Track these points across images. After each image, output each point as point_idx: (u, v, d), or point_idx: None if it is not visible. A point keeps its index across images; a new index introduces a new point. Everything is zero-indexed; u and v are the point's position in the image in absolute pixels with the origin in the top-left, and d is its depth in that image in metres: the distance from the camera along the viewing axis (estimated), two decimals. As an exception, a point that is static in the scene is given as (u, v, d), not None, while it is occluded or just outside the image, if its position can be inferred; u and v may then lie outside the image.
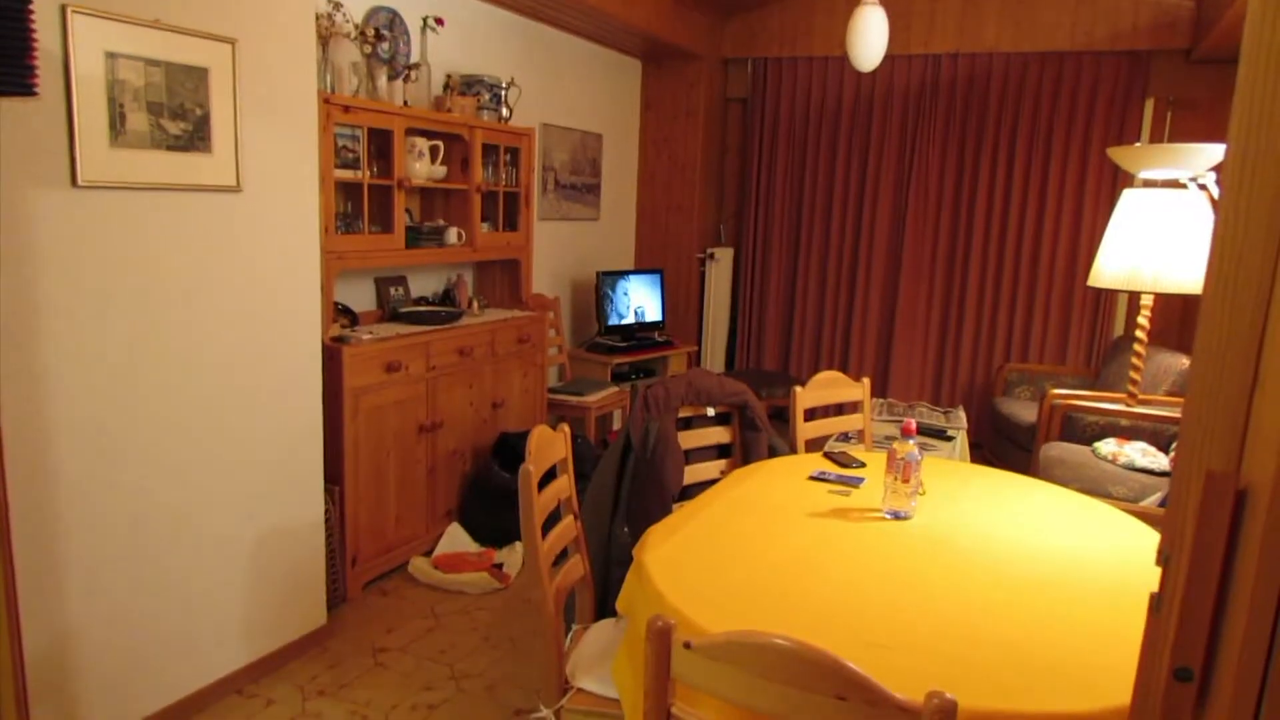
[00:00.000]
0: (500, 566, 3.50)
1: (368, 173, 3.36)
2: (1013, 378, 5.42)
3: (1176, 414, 4.19)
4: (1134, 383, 4.34)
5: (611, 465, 2.45)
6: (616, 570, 2.41)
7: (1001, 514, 2.17)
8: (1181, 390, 4.53)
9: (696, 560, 1.80)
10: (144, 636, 2.37)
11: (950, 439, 4.04)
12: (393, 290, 3.87)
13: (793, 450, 2.80)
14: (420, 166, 3.64)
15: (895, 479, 2.11)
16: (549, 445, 1.98)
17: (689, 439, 2.63)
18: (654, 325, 5.61)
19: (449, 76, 4.02)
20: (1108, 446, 4.07)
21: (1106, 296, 5.32)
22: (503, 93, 4.17)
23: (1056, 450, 4.16)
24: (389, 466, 3.36)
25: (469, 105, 3.93)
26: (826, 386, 2.93)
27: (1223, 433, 0.87)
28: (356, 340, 3.19)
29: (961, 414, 4.41)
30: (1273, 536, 0.81)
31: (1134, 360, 4.32)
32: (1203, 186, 3.38)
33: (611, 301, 5.27)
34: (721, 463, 2.73)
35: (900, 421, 4.34)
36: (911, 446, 2.10)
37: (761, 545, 1.89)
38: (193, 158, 2.37)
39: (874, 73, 5.59)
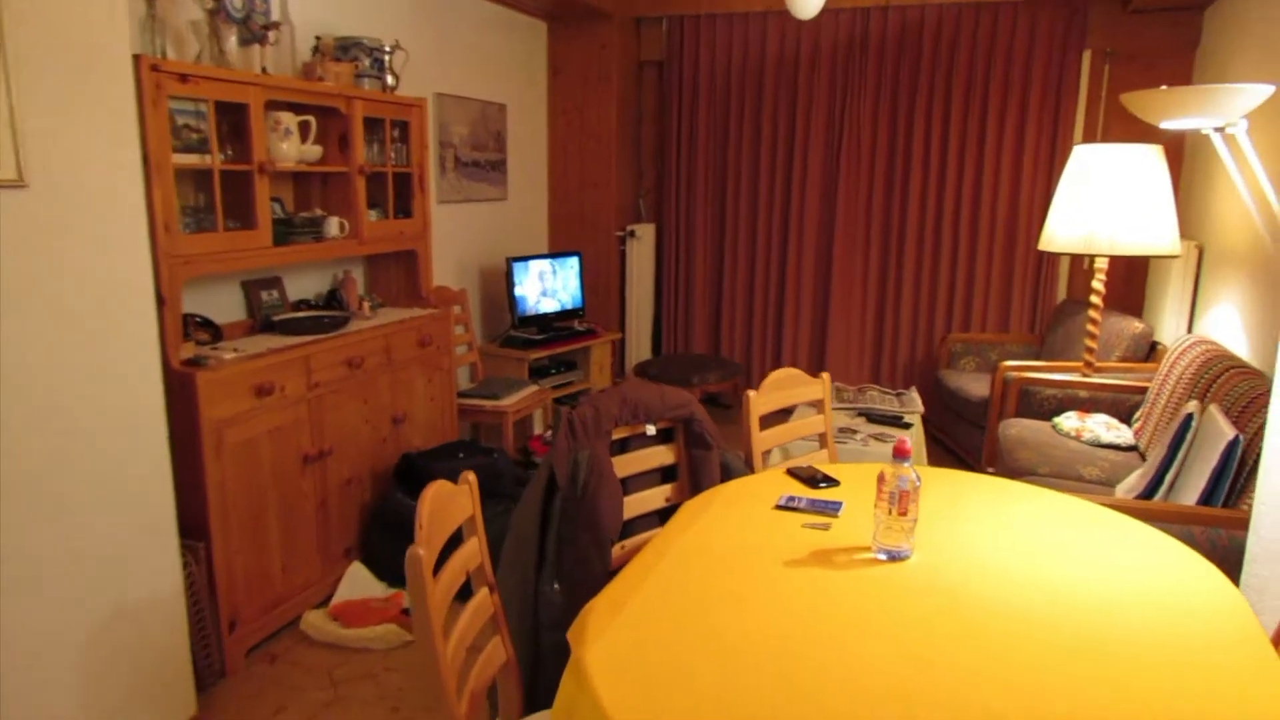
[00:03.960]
0: (409, 612, 2.99)
1: (219, 157, 2.77)
2: (956, 349, 5.13)
3: (1136, 383, 3.93)
4: (1090, 350, 4.07)
5: (532, 511, 1.97)
6: (547, 637, 1.95)
7: (1011, 539, 1.79)
8: (1136, 355, 4.29)
9: (649, 649, 1.35)
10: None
11: (907, 426, 3.69)
12: (265, 295, 3.28)
13: (749, 466, 2.38)
14: (287, 147, 3.06)
15: (890, 511, 1.70)
16: (446, 509, 1.49)
17: (626, 464, 2.17)
18: (573, 313, 5.12)
19: (319, 39, 3.43)
20: (1069, 422, 3.78)
21: (1048, 260, 5.06)
22: (386, 58, 3.59)
23: (1015, 429, 3.86)
24: (268, 508, 2.81)
25: (345, 72, 3.36)
26: (782, 388, 2.51)
27: None
28: (215, 361, 2.63)
29: (915, 396, 4.07)
30: None
31: (1089, 327, 4.05)
32: (1230, 137, 3.01)
33: (524, 290, 4.77)
34: (666, 488, 2.29)
35: (850, 408, 3.98)
36: (907, 469, 1.69)
37: (730, 615, 1.46)
38: (-48, 143, 1.79)
39: (799, 29, 5.17)
